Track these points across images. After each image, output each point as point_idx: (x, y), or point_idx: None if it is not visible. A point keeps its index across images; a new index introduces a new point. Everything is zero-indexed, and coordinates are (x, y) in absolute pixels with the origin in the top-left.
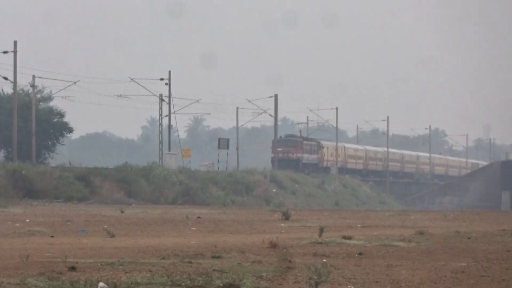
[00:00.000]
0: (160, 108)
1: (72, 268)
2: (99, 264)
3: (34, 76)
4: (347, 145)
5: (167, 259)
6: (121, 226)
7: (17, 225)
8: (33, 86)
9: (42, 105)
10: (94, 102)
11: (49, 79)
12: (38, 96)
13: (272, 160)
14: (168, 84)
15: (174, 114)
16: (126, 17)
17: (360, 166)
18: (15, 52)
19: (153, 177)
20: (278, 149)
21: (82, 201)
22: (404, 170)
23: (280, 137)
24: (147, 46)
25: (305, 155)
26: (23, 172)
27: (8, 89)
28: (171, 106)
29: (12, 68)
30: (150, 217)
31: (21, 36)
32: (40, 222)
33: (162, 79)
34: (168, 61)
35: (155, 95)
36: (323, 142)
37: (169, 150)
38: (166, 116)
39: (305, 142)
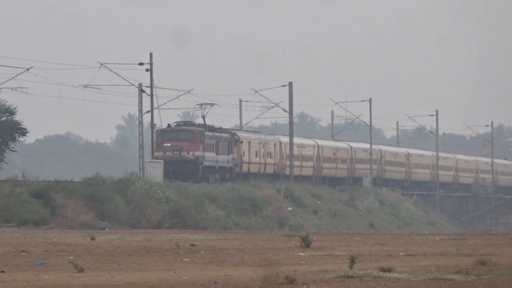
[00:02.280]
0: (140, 102)
1: None
2: None
3: None
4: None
5: None
6: (92, 257)
7: None
8: None
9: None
10: (54, 94)
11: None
12: None
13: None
14: (150, 70)
15: (158, 109)
16: None
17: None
18: None
19: (132, 193)
20: (166, 144)
21: (40, 225)
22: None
23: (168, 125)
24: (120, 23)
25: (208, 154)
26: None
27: None
28: (154, 99)
29: None
30: (129, 246)
31: None
32: None
33: (141, 64)
34: (149, 42)
35: (133, 85)
36: (241, 135)
37: (152, 156)
38: (147, 112)
39: (207, 133)
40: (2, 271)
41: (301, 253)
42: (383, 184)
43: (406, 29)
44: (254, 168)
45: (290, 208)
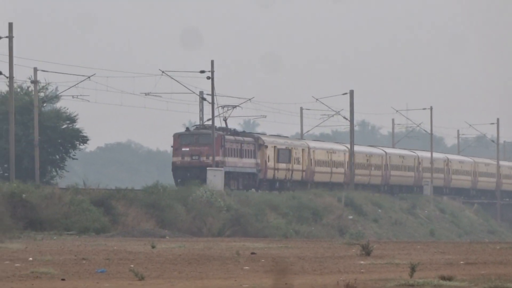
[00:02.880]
0: (201, 110)
1: None
2: None
3: (35, 69)
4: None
5: None
6: (153, 265)
7: (17, 265)
8: (34, 82)
9: (47, 106)
10: (115, 102)
11: (55, 72)
12: (42, 95)
13: (174, 168)
14: (211, 78)
15: (219, 117)
16: None
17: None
18: (10, 37)
19: (193, 202)
20: (183, 149)
21: (101, 233)
22: None
23: (187, 128)
24: (183, 31)
25: (230, 159)
26: (23, 196)
27: (2, 86)
28: (215, 107)
29: (7, 59)
30: (189, 254)
31: (17, 18)
32: (47, 261)
33: (202, 72)
34: (210, 51)
35: (194, 92)
36: (266, 139)
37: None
38: (208, 120)
39: (228, 137)
40: (63, 279)
41: (362, 261)
42: (450, 192)
43: (466, 37)
44: (280, 175)
45: (350, 217)
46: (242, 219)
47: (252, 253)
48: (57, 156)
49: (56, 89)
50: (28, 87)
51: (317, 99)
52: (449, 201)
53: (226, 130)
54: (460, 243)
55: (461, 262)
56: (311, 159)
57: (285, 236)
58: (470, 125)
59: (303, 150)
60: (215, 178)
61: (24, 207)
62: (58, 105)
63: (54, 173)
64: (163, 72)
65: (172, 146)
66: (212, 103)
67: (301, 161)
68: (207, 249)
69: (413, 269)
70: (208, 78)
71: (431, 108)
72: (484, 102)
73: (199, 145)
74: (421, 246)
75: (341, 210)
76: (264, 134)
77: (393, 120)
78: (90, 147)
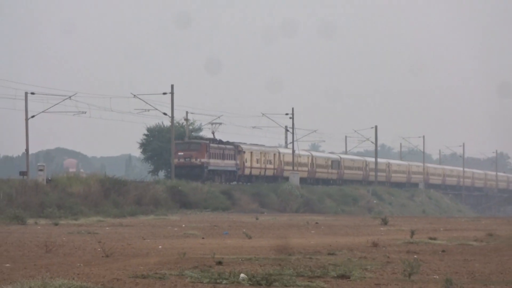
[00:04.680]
0: (286, 137)
1: (219, 263)
2: (240, 259)
3: (187, 112)
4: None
5: (292, 255)
6: (256, 230)
7: (175, 229)
8: (186, 119)
9: (194, 134)
10: (233, 132)
11: (199, 114)
12: (190, 127)
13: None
14: (292, 118)
15: (297, 141)
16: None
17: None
18: (172, 93)
19: (281, 192)
20: (179, 153)
21: (226, 210)
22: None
23: (182, 139)
24: (274, 82)
25: (213, 161)
26: (179, 187)
27: (167, 122)
28: (294, 136)
29: (170, 106)
30: (278, 223)
31: (177, 80)
32: (193, 227)
33: (287, 114)
34: (293, 96)
35: (281, 126)
36: (244, 146)
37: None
38: (290, 143)
39: (213, 145)
40: (203, 238)
41: (382, 228)
42: (430, 187)
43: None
44: (255, 172)
45: (375, 201)
46: (310, 202)
47: (316, 223)
48: None
49: (200, 124)
50: (182, 123)
51: (355, 131)
52: (434, 192)
53: (212, 140)
54: (441, 218)
55: (441, 229)
56: (281, 161)
57: (335, 213)
58: (447, 147)
59: (274, 154)
60: (293, 178)
61: (179, 194)
62: (200, 133)
63: None
64: (263, 114)
65: (172, 151)
66: (293, 134)
67: (273, 162)
68: (289, 220)
69: (412, 233)
70: (290, 118)
71: (424, 137)
72: (455, 127)
73: (190, 150)
74: (417, 220)
75: (369, 197)
76: (244, 143)
77: (400, 144)
78: None
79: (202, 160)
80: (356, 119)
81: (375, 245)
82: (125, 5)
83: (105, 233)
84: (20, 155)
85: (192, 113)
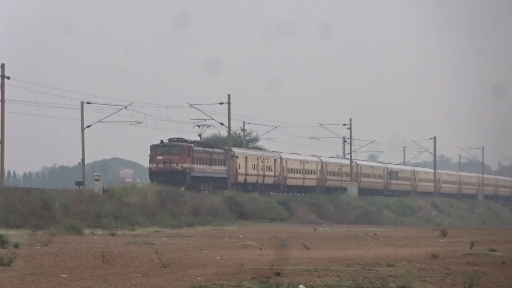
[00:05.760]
0: (343, 147)
1: (277, 274)
2: (298, 270)
3: (244, 122)
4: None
5: (351, 267)
6: (314, 241)
7: (233, 240)
8: (243, 130)
9: (251, 145)
10: (290, 142)
11: (256, 124)
12: (247, 137)
13: (150, 173)
14: (349, 128)
15: (355, 152)
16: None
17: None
18: (229, 103)
19: (338, 203)
20: (158, 157)
21: (283, 221)
22: None
23: (161, 141)
24: (331, 91)
25: (197, 166)
26: (236, 198)
27: (224, 132)
28: (352, 146)
29: (227, 116)
30: (336, 234)
31: (234, 91)
32: (251, 238)
33: (344, 124)
34: (349, 109)
35: (339, 137)
36: (236, 150)
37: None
38: (348, 154)
39: (197, 148)
40: (260, 249)
41: (441, 240)
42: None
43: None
44: (251, 179)
45: (434, 212)
46: (368, 213)
47: (375, 234)
48: None
49: (256, 134)
50: (239, 133)
51: (413, 141)
52: (494, 204)
53: (196, 142)
54: (501, 229)
55: (501, 241)
56: (283, 167)
57: (394, 224)
58: (505, 158)
59: (275, 160)
60: (351, 189)
61: (237, 205)
62: (257, 144)
63: None
64: (321, 124)
65: (149, 155)
66: (350, 144)
67: (273, 169)
68: (347, 231)
69: (472, 244)
70: (348, 128)
71: (483, 148)
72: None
73: (170, 154)
74: (476, 231)
75: (428, 209)
76: (237, 147)
77: (459, 154)
78: None
79: (184, 165)
80: (414, 129)
81: (434, 256)
82: (195, 25)
83: (162, 244)
84: (76, 165)
85: (249, 123)
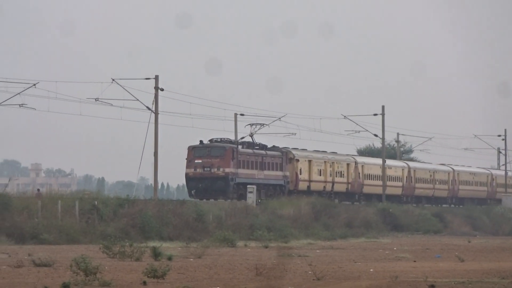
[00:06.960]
0: (498, 159)
1: (432, 286)
2: (453, 282)
3: (398, 134)
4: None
5: (506, 279)
6: (469, 253)
7: (386, 252)
8: (397, 141)
9: (404, 156)
10: (445, 154)
11: (411, 136)
12: (401, 149)
13: (187, 179)
14: (504, 139)
15: (510, 163)
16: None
17: None
18: (383, 114)
19: (493, 214)
20: (197, 161)
21: (437, 233)
22: None
23: (200, 141)
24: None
25: (243, 171)
26: (390, 210)
27: (377, 144)
28: (507, 157)
29: (380, 127)
30: (491, 246)
31: (389, 101)
32: (404, 250)
33: (499, 136)
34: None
35: (493, 148)
36: (297, 153)
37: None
38: (502, 165)
39: (243, 150)
40: (414, 261)
41: None
42: None
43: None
44: (316, 186)
45: None
46: None
47: None
48: None
49: (411, 145)
50: (393, 144)
51: (475, 135)
52: None
53: (241, 142)
54: None
55: None
56: (358, 173)
57: None
58: None
59: (348, 164)
60: (507, 200)
61: (390, 217)
62: (411, 155)
63: None
64: (475, 135)
65: (186, 158)
66: (505, 156)
67: (345, 175)
68: (502, 243)
69: None
70: (502, 139)
71: None
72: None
73: (210, 157)
74: None
75: None
76: (296, 148)
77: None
78: None
79: (227, 169)
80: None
81: None
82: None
83: (315, 256)
84: None
85: (403, 134)
